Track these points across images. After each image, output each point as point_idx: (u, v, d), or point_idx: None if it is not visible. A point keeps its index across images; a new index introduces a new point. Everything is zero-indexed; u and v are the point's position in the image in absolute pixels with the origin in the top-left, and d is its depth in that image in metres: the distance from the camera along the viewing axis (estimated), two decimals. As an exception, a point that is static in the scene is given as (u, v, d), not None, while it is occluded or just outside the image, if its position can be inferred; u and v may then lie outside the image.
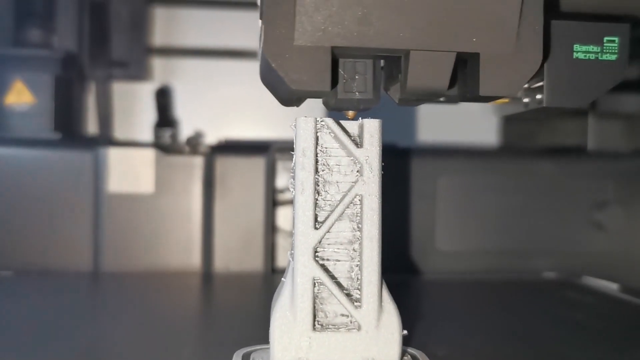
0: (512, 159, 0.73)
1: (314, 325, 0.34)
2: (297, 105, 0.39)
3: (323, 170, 0.34)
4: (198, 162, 0.69)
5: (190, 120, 0.89)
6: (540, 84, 0.38)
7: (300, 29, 0.31)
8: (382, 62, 0.38)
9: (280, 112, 0.89)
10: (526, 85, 0.40)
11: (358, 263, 0.34)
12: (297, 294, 0.33)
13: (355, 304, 0.34)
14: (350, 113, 0.37)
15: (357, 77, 0.35)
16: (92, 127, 0.88)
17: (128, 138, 0.90)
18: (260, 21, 0.34)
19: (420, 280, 0.68)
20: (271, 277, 0.67)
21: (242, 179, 0.69)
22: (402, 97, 0.35)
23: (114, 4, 0.84)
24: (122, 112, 0.90)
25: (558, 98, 0.38)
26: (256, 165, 0.69)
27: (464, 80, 0.36)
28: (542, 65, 0.35)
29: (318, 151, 0.34)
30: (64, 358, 0.39)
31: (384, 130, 0.35)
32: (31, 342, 0.42)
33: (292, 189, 0.34)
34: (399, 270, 0.69)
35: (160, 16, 0.92)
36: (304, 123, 0.34)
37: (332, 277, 0.34)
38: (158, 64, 0.91)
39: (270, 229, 0.69)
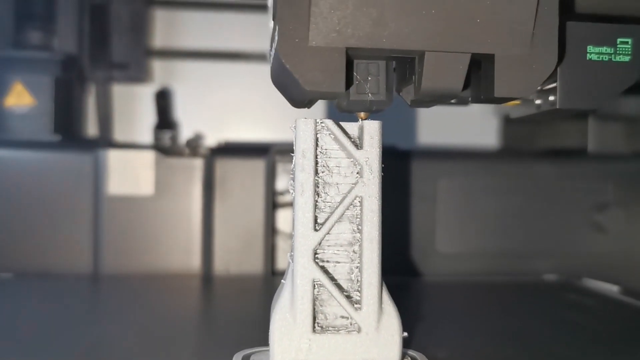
0: (512, 161, 0.73)
1: (314, 327, 0.34)
2: (309, 107, 0.38)
3: (323, 172, 0.34)
4: (198, 164, 0.69)
5: (190, 122, 0.89)
6: (553, 85, 0.38)
7: (314, 29, 0.31)
8: (393, 63, 0.37)
9: (279, 114, 0.89)
10: (538, 87, 0.39)
11: (358, 265, 0.34)
12: (297, 295, 0.33)
13: (355, 305, 0.34)
14: (362, 115, 0.36)
15: (370, 78, 0.35)
16: (92, 129, 0.88)
17: (128, 140, 0.90)
18: (271, 22, 0.34)
19: (420, 282, 0.68)
20: (271, 279, 0.67)
21: (242, 181, 0.69)
22: (416, 98, 0.35)
23: (114, 6, 0.84)
24: (122, 114, 0.90)
25: (571, 100, 0.37)
26: (256, 167, 0.69)
27: (477, 81, 0.36)
28: (555, 67, 0.35)
29: (318, 153, 0.34)
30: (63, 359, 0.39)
31: (384, 132, 0.35)
32: (31, 344, 0.42)
33: (291, 191, 0.34)
34: (399, 272, 0.69)
35: (161, 18, 0.92)
36: (303, 124, 0.34)
37: (332, 278, 0.34)
38: (158, 66, 0.91)
39: (270, 231, 0.69)
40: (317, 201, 0.34)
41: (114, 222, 0.68)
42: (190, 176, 0.69)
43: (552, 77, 0.37)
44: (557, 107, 0.37)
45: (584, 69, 0.37)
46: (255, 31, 0.90)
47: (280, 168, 0.69)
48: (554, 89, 0.38)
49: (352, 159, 0.34)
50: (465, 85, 0.34)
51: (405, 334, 0.35)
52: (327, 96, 0.33)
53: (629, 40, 0.37)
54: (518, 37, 0.33)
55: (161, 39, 0.92)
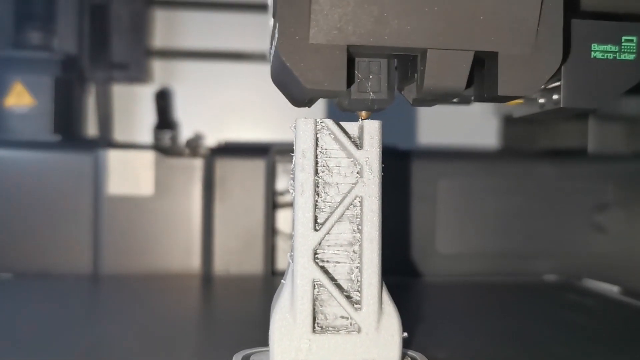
0: (512, 162, 0.73)
1: (314, 327, 0.34)
2: (309, 106, 0.38)
3: (323, 172, 0.34)
4: (198, 164, 0.69)
5: (190, 122, 0.89)
6: (557, 84, 0.37)
7: (315, 27, 0.31)
8: (395, 61, 0.37)
9: (279, 114, 0.89)
10: (542, 86, 0.39)
11: (358, 265, 0.34)
12: (297, 296, 0.33)
13: (355, 306, 0.34)
14: (364, 114, 0.36)
15: (371, 76, 0.35)
16: (92, 129, 0.88)
17: (128, 140, 0.90)
18: (271, 20, 0.34)
19: (420, 282, 0.68)
20: (271, 279, 0.67)
21: (242, 181, 0.69)
22: (418, 97, 0.34)
23: (114, 6, 0.84)
24: (122, 114, 0.90)
25: (575, 98, 0.37)
26: (256, 167, 0.69)
27: (480, 80, 0.35)
28: (559, 65, 0.35)
29: (318, 152, 0.34)
30: (63, 360, 0.39)
31: (385, 132, 0.34)
32: (31, 344, 0.42)
33: (291, 191, 0.34)
34: (399, 272, 0.69)
35: (161, 18, 0.92)
36: (303, 124, 0.34)
37: (332, 279, 0.34)
38: (158, 66, 0.91)
39: (270, 231, 0.69)
40: (317, 201, 0.34)
41: (114, 222, 0.68)
42: (190, 176, 0.69)
43: (556, 76, 0.36)
44: (562, 105, 0.37)
45: (589, 67, 0.37)
46: (255, 31, 0.90)
47: (280, 168, 0.69)
48: (558, 87, 0.37)
49: (352, 159, 0.34)
50: (468, 84, 0.33)
51: (405, 334, 0.35)
52: (328, 95, 0.33)
53: (634, 38, 0.37)
54: (522, 35, 0.32)
55: (161, 39, 0.92)
